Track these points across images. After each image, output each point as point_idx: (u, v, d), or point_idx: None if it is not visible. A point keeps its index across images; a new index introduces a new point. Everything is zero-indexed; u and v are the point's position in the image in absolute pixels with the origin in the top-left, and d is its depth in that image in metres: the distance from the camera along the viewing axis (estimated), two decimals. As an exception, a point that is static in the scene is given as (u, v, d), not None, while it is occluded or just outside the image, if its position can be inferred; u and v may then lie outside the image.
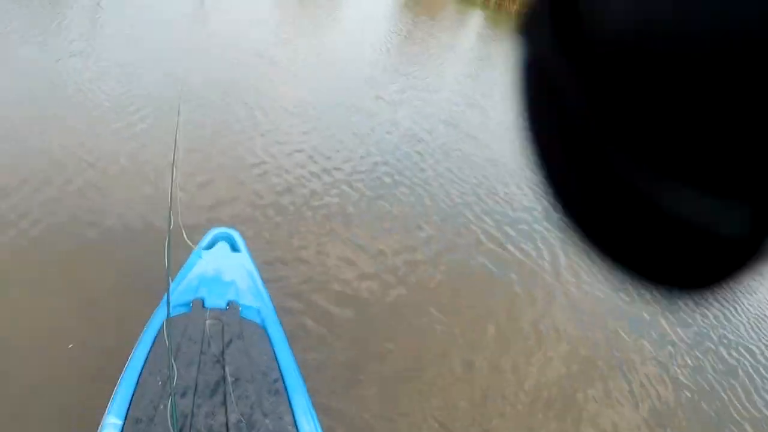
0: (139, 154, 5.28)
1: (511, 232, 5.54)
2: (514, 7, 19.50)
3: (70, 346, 3.22)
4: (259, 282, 3.09)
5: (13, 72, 6.60)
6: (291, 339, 2.80)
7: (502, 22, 18.34)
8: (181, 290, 2.80)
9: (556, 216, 0.28)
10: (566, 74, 0.24)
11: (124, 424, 2.07)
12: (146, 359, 2.38)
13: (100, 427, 2.08)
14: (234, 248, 3.26)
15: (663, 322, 4.80)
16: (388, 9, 16.47)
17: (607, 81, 0.22)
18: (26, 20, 8.49)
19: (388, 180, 5.97)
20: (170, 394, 2.12)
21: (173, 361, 2.16)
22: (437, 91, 9.88)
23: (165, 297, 2.70)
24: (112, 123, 5.81)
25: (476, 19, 18.72)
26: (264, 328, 2.69)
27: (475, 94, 10.19)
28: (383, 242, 4.87)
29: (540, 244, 5.43)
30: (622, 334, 4.54)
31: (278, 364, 2.50)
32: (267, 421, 2.18)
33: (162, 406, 2.16)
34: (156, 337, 2.51)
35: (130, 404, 2.16)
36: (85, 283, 3.60)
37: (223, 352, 2.45)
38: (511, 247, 5.27)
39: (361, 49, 11.44)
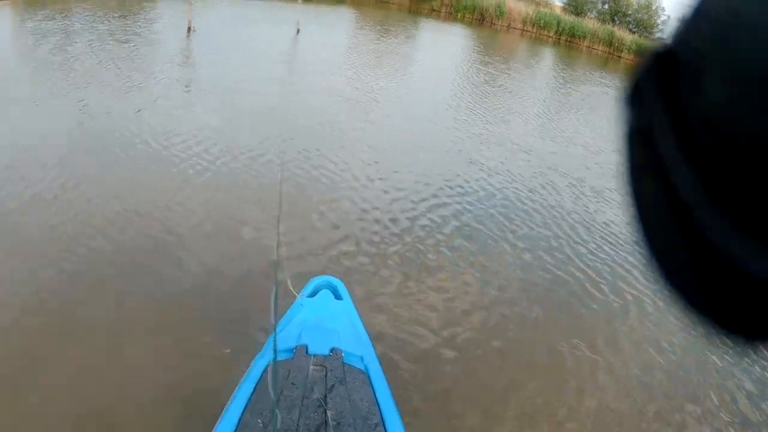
0: (242, 206, 5.64)
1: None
2: (584, 44, 18.85)
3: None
4: (362, 329, 3.14)
5: (112, 129, 7.38)
6: (391, 384, 2.84)
7: (576, 60, 17.59)
8: (284, 336, 2.88)
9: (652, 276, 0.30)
10: (672, 147, 0.25)
11: None
12: (248, 401, 2.45)
13: None
14: (337, 296, 3.33)
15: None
16: (464, 52, 16.47)
17: (711, 158, 0.24)
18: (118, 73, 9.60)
19: (488, 230, 5.99)
20: None
21: (276, 405, 2.22)
22: (519, 134, 9.65)
23: (269, 342, 2.83)
24: (209, 178, 6.29)
25: (548, 58, 18.10)
26: (366, 374, 2.72)
27: (565, 134, 9.80)
28: (485, 293, 4.88)
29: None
30: None
31: (379, 408, 2.51)
32: None
33: None
34: (259, 380, 2.58)
35: None
36: (189, 330, 3.89)
37: (325, 397, 2.49)
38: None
39: (449, 95, 11.53)
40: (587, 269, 5.62)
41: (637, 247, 0.29)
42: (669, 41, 0.27)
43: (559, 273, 5.45)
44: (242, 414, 2.39)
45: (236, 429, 2.31)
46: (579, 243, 6.14)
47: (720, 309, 0.26)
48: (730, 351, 4.37)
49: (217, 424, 2.38)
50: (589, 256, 5.92)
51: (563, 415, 3.71)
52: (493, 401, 3.72)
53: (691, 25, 0.25)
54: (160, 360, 3.60)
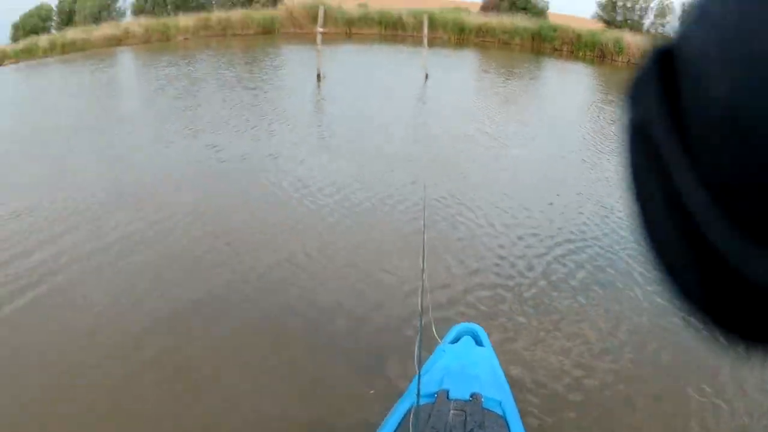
0: (382, 252, 6.07)
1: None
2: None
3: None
4: (501, 375, 3.25)
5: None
6: (528, 429, 2.94)
7: None
8: (427, 381, 2.99)
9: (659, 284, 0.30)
10: (671, 142, 0.25)
11: None
12: None
13: None
14: (478, 342, 3.46)
15: None
16: (587, 92, 16.07)
17: (712, 158, 0.24)
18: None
19: (619, 274, 5.96)
20: None
21: None
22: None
23: (412, 386, 3.01)
24: (349, 224, 6.79)
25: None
26: (504, 419, 2.81)
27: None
28: (616, 337, 4.85)
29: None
30: None
31: None
32: None
33: None
34: (400, 423, 2.72)
35: None
36: (335, 370, 4.26)
37: None
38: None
39: (576, 138, 11.41)
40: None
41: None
42: (671, 39, 0.27)
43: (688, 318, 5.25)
44: None
45: None
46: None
47: (718, 309, 0.26)
48: None
49: None
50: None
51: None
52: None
53: (692, 23, 0.26)
54: (307, 398, 3.98)
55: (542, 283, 5.68)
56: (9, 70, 18.26)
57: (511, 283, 5.62)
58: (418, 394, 2.55)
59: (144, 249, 6.06)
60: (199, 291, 5.25)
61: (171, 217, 6.82)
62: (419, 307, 2.76)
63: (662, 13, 23.40)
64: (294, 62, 18.19)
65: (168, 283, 5.40)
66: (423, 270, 2.76)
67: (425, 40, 16.17)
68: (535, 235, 6.75)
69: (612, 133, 11.61)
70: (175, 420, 3.71)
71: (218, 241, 6.25)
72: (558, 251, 6.38)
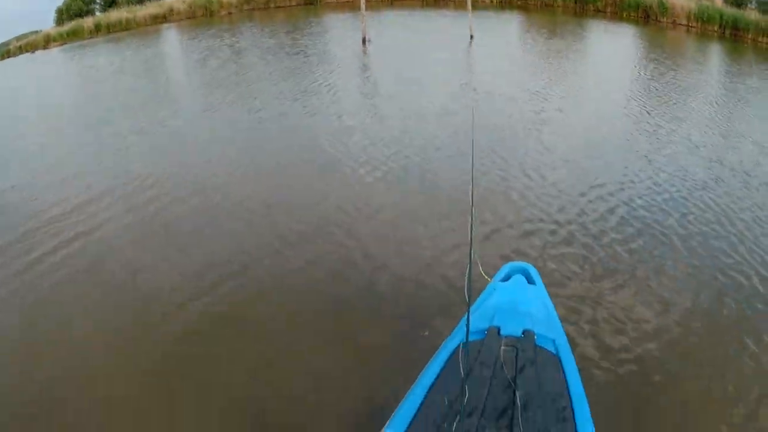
0: (432, 203, 6.16)
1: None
2: (749, 37, 16.76)
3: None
4: (554, 314, 3.16)
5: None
6: (581, 370, 2.82)
7: (742, 54, 15.63)
8: (476, 318, 2.93)
9: None
10: None
11: None
12: (435, 379, 2.52)
13: None
14: (530, 280, 3.37)
15: None
16: (631, 51, 15.49)
17: None
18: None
19: (665, 227, 5.82)
20: (458, 413, 2.21)
21: (464, 383, 2.26)
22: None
23: (462, 323, 2.92)
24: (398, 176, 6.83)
25: (713, 53, 16.22)
26: (558, 357, 2.72)
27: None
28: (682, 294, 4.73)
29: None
30: None
31: (569, 392, 2.49)
32: None
33: (446, 425, 2.23)
34: (448, 360, 2.65)
35: (412, 421, 2.26)
36: (385, 309, 4.40)
37: (515, 378, 2.51)
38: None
39: (621, 96, 11.05)
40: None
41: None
42: None
43: (728, 262, 5.17)
44: (428, 391, 2.46)
45: (421, 405, 2.38)
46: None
47: None
48: None
49: (403, 400, 2.48)
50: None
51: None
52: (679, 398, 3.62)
53: None
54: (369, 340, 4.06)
55: (594, 228, 5.67)
56: (56, 51, 18.68)
57: (573, 229, 5.66)
58: (467, 329, 2.48)
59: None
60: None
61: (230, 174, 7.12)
62: (469, 239, 2.65)
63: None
64: (337, 29, 18.21)
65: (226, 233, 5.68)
66: (472, 201, 2.65)
67: (469, 3, 16.08)
68: (583, 193, 6.60)
69: (654, 89, 11.25)
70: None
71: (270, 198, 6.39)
72: (610, 203, 6.32)
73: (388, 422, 2.32)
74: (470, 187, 2.74)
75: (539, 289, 3.32)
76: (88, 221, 6.05)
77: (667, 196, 6.52)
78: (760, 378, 3.79)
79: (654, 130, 8.83)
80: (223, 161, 7.62)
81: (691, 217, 5.99)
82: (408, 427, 2.24)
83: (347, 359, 3.87)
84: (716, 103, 10.69)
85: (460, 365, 2.46)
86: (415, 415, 2.32)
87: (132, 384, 3.72)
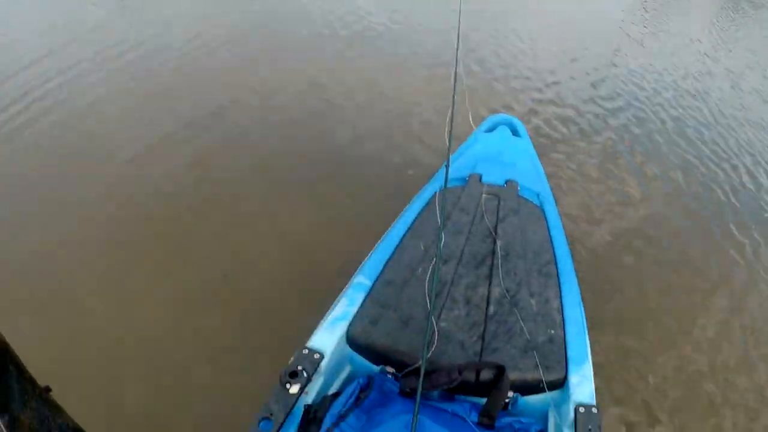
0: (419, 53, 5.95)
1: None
2: None
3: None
4: (539, 166, 2.96)
5: None
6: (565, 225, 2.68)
7: None
8: (459, 165, 2.76)
9: None
10: None
11: (373, 284, 2.05)
12: (411, 225, 2.35)
13: (347, 286, 2.06)
14: (515, 133, 3.15)
15: None
16: None
17: None
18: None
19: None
20: (434, 257, 2.05)
21: (441, 229, 2.09)
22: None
23: (441, 169, 2.72)
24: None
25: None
26: (542, 209, 2.56)
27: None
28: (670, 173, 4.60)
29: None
30: None
31: (552, 246, 2.34)
32: (532, 301, 2.05)
33: (420, 270, 2.11)
34: (426, 205, 2.47)
35: (384, 266, 2.13)
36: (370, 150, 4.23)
37: (495, 227, 2.36)
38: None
39: None
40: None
41: None
42: None
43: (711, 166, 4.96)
44: (403, 237, 2.30)
45: (395, 250, 2.23)
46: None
47: None
48: None
49: (377, 244, 2.33)
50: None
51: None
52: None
53: None
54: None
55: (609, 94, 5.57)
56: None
57: (559, 89, 5.49)
58: (447, 175, 2.26)
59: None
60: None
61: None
62: (452, 77, 2.39)
63: None
64: None
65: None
66: (459, 23, 2.36)
67: None
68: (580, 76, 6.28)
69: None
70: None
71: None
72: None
73: (360, 267, 2.18)
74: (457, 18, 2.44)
75: (524, 141, 3.10)
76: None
77: (658, 77, 6.39)
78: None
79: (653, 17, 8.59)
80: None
81: (682, 101, 5.85)
82: (380, 273, 2.10)
83: (329, 203, 3.67)
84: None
85: (437, 210, 2.29)
86: (388, 261, 2.17)
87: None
